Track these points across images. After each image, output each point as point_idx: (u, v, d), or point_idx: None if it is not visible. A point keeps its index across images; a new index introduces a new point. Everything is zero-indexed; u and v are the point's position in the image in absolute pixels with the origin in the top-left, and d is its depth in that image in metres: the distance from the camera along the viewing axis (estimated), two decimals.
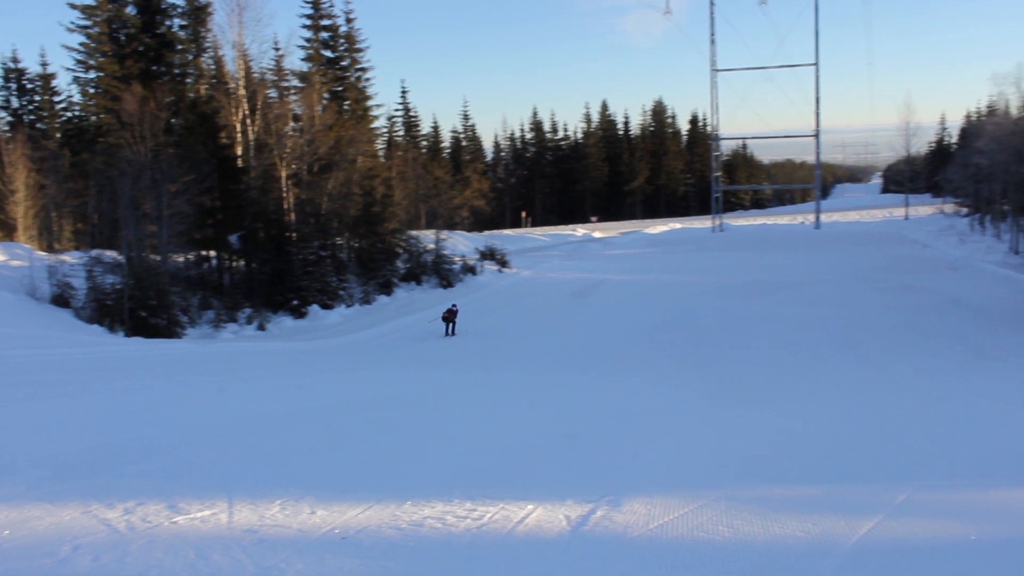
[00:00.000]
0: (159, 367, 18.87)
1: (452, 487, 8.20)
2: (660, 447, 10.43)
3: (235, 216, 32.88)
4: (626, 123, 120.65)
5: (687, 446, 10.53)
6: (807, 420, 12.44)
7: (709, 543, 6.71)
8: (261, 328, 28.88)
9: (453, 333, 27.08)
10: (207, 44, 38.26)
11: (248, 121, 34.84)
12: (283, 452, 10.21)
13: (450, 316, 27.21)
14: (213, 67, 38.19)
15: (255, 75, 36.82)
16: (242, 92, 35.13)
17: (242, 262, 34.18)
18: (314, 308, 31.53)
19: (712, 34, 79.27)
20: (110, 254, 27.88)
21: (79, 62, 36.76)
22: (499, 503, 7.68)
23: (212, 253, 33.76)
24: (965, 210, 71.89)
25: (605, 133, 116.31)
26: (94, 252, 27.79)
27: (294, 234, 33.96)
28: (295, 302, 31.36)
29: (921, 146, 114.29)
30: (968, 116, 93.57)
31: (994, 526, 7.11)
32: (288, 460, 9.77)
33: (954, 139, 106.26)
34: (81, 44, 36.45)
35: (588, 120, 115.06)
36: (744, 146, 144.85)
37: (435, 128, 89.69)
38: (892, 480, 8.51)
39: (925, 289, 33.82)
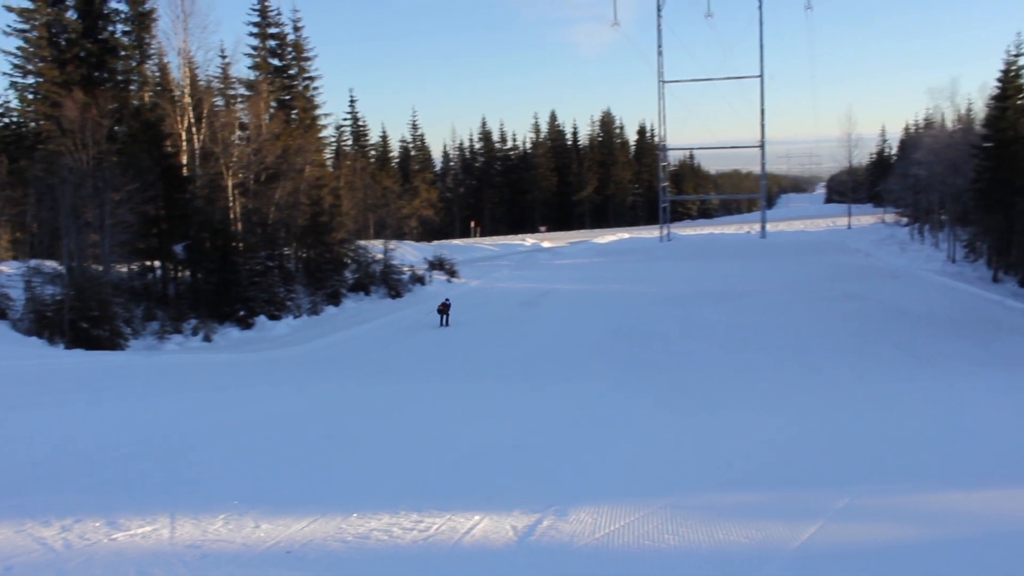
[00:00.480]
0: (100, 380, 18.49)
1: (399, 498, 8.15)
2: (608, 456, 10.48)
3: (180, 226, 32.39)
4: (575, 133, 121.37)
5: (635, 454, 10.59)
6: (752, 427, 12.58)
7: (655, 551, 6.74)
8: (207, 339, 28.46)
9: (447, 324, 30.98)
10: (151, 51, 37.69)
11: (194, 129, 34.37)
12: (227, 465, 10.06)
13: (444, 309, 31.32)
14: (158, 74, 37.62)
15: (201, 83, 36.33)
16: (187, 100, 34.66)
17: (187, 272, 33.67)
18: (261, 319, 31.15)
19: (659, 46, 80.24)
20: (50, 264, 27.26)
21: (16, 67, 35.89)
22: (446, 514, 7.65)
23: (156, 263, 33.19)
24: (905, 220, 73.56)
25: (554, 143, 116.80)
26: (33, 262, 27.17)
27: (241, 244, 33.55)
28: (242, 313, 30.95)
29: (863, 157, 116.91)
30: (907, 128, 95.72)
31: (931, 528, 7.27)
32: (232, 473, 9.63)
33: (894, 151, 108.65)
34: (18, 48, 35.60)
35: (537, 130, 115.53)
36: (691, 156, 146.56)
37: (384, 137, 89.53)
38: (834, 485, 8.64)
39: (868, 297, 34.50)
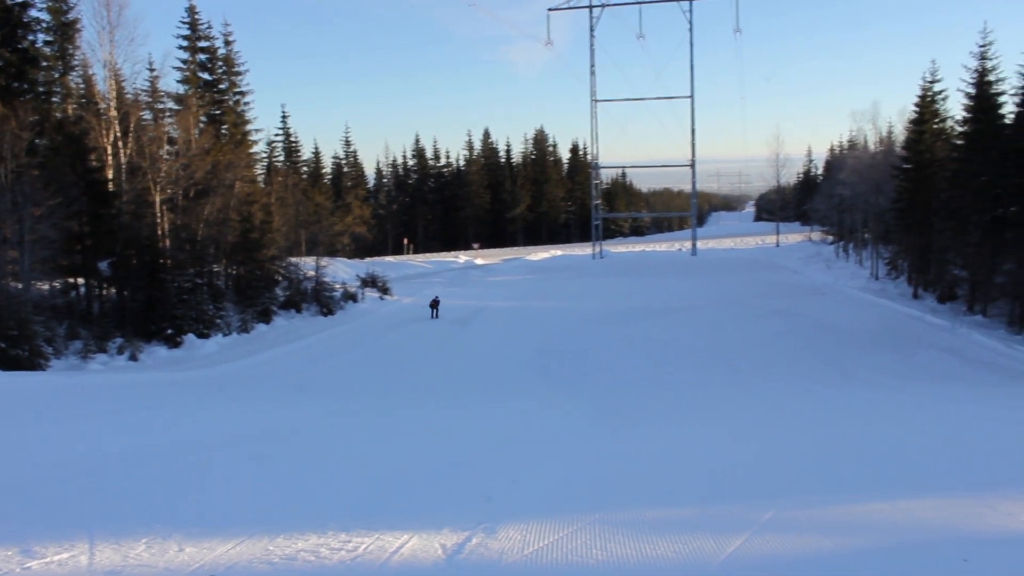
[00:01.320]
0: (17, 401, 17.91)
1: (327, 519, 8.03)
2: (538, 472, 10.49)
3: (105, 242, 31.61)
4: (508, 151, 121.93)
5: (565, 471, 10.62)
6: (681, 441, 12.73)
7: (583, 566, 6.76)
8: (133, 358, 27.80)
9: (437, 316, 37.21)
10: (75, 62, 36.67)
11: (120, 143, 33.60)
12: (151, 488, 9.80)
13: (435, 304, 37.87)
14: (82, 86, 36.67)
15: (128, 96, 35.56)
16: (113, 113, 33.87)
17: (113, 290, 32.85)
18: (190, 337, 30.55)
19: (592, 65, 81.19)
20: None
21: None
22: (374, 533, 7.57)
23: (80, 280, 32.32)
24: (831, 238, 75.52)
25: (487, 160, 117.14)
26: None
27: (169, 261, 32.88)
28: (169, 331, 30.32)
29: (790, 177, 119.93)
30: (832, 149, 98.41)
31: (852, 538, 7.43)
32: (156, 496, 9.37)
33: (820, 171, 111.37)
34: None
35: (470, 147, 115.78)
36: (623, 175, 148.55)
37: (316, 153, 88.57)
38: (761, 498, 8.78)
39: (796, 313, 35.25)
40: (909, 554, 7.09)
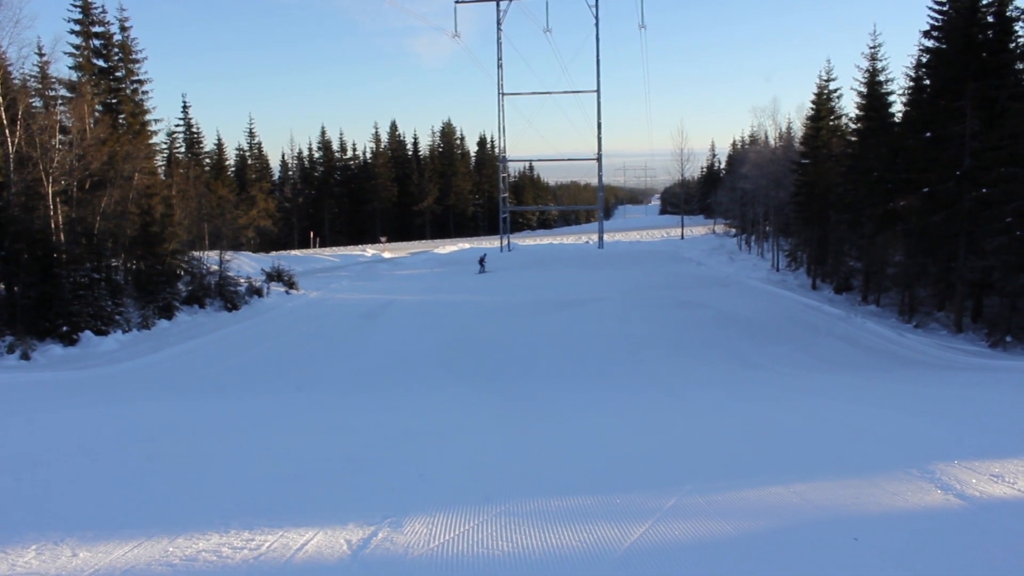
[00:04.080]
0: None
1: (229, 517, 7.90)
2: (445, 466, 10.50)
3: None
4: (415, 143, 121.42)
5: (471, 464, 10.66)
6: (586, 432, 12.90)
7: (489, 558, 6.83)
8: (25, 357, 26.74)
9: (484, 271, 49.85)
10: None
11: (7, 132, 32.23)
12: (43, 492, 9.43)
13: (482, 261, 51.58)
14: None
15: (15, 81, 34.07)
16: None
17: (2, 286, 31.53)
18: (87, 334, 29.55)
19: (499, 58, 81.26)
20: None
21: None
22: (278, 531, 7.48)
23: None
24: (733, 231, 77.54)
25: (395, 153, 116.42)
26: None
27: (64, 255, 31.71)
28: (65, 328, 29.26)
29: (694, 171, 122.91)
30: (734, 144, 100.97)
31: (750, 522, 7.68)
32: (48, 500, 9.02)
33: (723, 165, 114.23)
34: None
35: (377, 140, 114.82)
36: (531, 168, 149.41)
37: (219, 145, 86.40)
38: (663, 486, 8.97)
39: (699, 304, 35.98)
40: (803, 535, 7.36)
